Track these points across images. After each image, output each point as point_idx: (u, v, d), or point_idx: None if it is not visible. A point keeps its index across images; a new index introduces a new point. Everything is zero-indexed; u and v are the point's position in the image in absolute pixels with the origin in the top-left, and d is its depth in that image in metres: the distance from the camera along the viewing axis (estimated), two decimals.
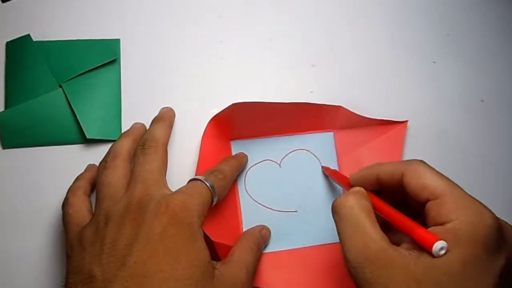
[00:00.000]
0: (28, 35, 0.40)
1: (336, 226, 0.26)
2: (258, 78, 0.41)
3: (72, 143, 0.38)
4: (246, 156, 0.37)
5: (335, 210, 0.27)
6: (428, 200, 0.25)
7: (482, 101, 0.42)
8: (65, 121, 0.38)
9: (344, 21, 0.43)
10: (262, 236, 0.35)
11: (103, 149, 0.38)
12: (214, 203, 0.31)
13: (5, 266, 0.36)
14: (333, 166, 0.38)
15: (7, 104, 0.39)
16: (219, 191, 0.32)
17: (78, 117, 0.38)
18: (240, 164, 0.37)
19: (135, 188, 0.30)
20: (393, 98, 0.41)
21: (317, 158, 0.38)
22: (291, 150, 0.38)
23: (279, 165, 0.38)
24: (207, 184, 0.31)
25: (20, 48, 0.40)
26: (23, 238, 0.36)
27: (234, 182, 0.36)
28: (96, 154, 0.38)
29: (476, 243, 0.23)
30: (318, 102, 0.39)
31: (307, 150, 0.38)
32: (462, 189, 0.25)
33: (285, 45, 0.42)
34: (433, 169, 0.27)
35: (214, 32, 0.42)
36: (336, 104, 0.38)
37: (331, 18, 0.43)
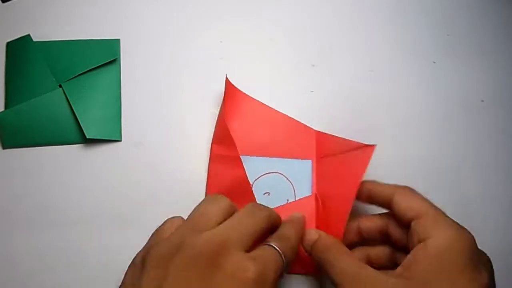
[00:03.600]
0: (28, 35, 0.40)
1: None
2: (258, 78, 0.41)
3: (72, 143, 0.38)
4: (304, 217, 0.34)
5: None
6: (412, 219, 0.29)
7: (482, 101, 0.42)
8: (65, 121, 0.38)
9: (344, 21, 0.43)
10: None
11: (103, 149, 0.38)
12: (285, 273, 0.29)
13: (5, 266, 0.36)
14: (308, 193, 0.37)
15: (7, 104, 0.39)
16: (288, 259, 0.29)
17: (78, 117, 0.38)
18: (302, 228, 0.33)
19: (224, 228, 0.27)
20: (393, 98, 0.41)
21: (291, 184, 0.38)
22: (267, 172, 0.38)
23: (252, 185, 0.37)
24: (281, 254, 0.28)
25: (20, 48, 0.40)
26: (23, 238, 0.36)
27: None
28: (96, 154, 0.38)
29: (456, 255, 0.26)
30: (317, 102, 0.39)
31: (282, 174, 0.38)
32: (443, 212, 0.29)
33: (285, 45, 0.42)
34: (419, 193, 0.30)
35: (214, 32, 0.42)
36: (322, 124, 0.38)
37: (331, 18, 0.43)
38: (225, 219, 0.28)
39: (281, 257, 0.28)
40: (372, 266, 0.29)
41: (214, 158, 0.37)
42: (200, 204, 0.30)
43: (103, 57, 0.40)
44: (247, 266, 0.25)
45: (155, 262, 0.26)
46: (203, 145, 0.39)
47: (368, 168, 0.39)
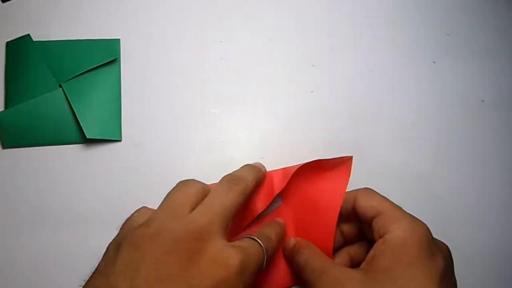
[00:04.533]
0: (28, 35, 0.40)
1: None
2: (258, 78, 0.41)
3: (72, 143, 0.38)
4: (284, 224, 0.35)
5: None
6: (373, 218, 0.30)
7: (482, 101, 0.42)
8: (65, 121, 0.38)
9: (344, 21, 0.43)
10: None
11: (103, 149, 0.38)
12: (263, 268, 0.29)
13: (5, 266, 0.36)
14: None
15: (7, 104, 0.39)
16: (268, 257, 0.30)
17: (78, 117, 0.38)
18: (283, 231, 0.34)
19: (200, 213, 0.28)
20: (393, 98, 0.41)
21: None
22: None
23: None
24: (263, 249, 0.29)
25: (20, 48, 0.40)
26: (23, 238, 0.36)
27: None
28: (96, 154, 0.38)
29: (411, 246, 0.27)
30: (317, 102, 0.39)
31: None
32: (400, 208, 0.30)
33: (285, 45, 0.42)
34: (378, 193, 0.32)
35: (214, 32, 0.42)
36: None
37: (331, 18, 0.43)
38: (200, 202, 0.28)
39: (263, 251, 0.29)
40: (354, 263, 0.32)
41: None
42: (172, 190, 0.30)
43: (103, 57, 0.40)
44: (230, 253, 0.26)
45: (132, 245, 0.25)
46: (203, 145, 0.39)
47: (369, 168, 0.39)
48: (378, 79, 0.41)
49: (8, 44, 0.40)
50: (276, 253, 0.33)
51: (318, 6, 0.43)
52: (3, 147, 0.38)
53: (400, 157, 0.39)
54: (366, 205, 0.31)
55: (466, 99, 0.42)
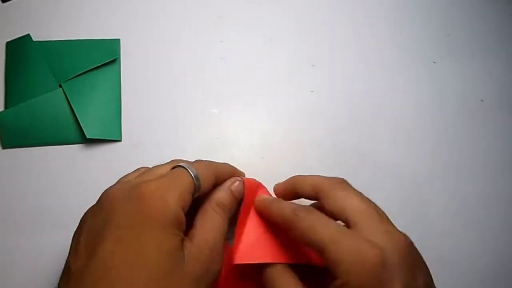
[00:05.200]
0: (28, 35, 0.40)
1: None
2: (258, 78, 0.41)
3: (72, 143, 0.38)
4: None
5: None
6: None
7: (482, 101, 0.42)
8: (65, 121, 0.38)
9: (344, 21, 0.43)
10: (232, 193, 0.31)
11: (103, 149, 0.38)
12: (196, 194, 0.29)
13: (5, 266, 0.36)
14: None
15: (7, 104, 0.39)
16: (204, 182, 0.29)
17: (78, 117, 0.38)
18: (232, 171, 0.33)
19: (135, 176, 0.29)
20: (393, 98, 0.41)
21: None
22: None
23: None
24: (190, 173, 0.28)
25: (20, 48, 0.40)
26: (23, 238, 0.36)
27: None
28: (96, 154, 0.38)
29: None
30: (317, 102, 0.39)
31: None
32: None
33: (285, 45, 0.42)
34: (353, 190, 0.29)
35: (214, 32, 0.42)
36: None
37: (331, 18, 0.43)
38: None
39: (192, 178, 0.28)
40: None
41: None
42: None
43: (103, 57, 0.40)
44: (143, 185, 0.27)
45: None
46: (203, 145, 0.39)
47: (369, 168, 0.39)
48: (378, 79, 0.41)
49: (8, 44, 0.40)
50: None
51: (318, 6, 0.43)
52: (3, 147, 0.38)
53: (400, 157, 0.39)
54: (335, 207, 0.28)
55: (466, 99, 0.42)
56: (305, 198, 0.31)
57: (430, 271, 0.27)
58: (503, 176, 0.40)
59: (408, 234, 0.27)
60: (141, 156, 0.38)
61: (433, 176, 0.39)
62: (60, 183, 0.38)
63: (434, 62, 0.42)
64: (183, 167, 0.29)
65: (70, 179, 0.38)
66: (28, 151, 0.38)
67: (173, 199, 0.26)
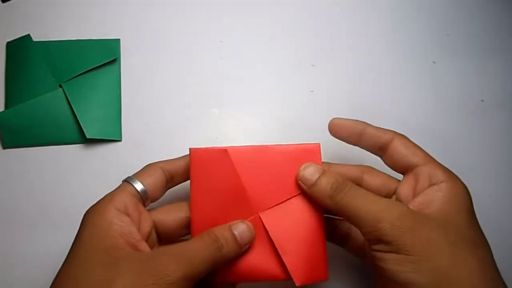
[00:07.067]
0: (28, 35, 0.40)
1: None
2: (258, 78, 0.41)
3: (72, 143, 0.38)
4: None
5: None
6: (416, 165, 0.30)
7: (482, 101, 0.42)
8: (65, 121, 0.38)
9: (344, 21, 0.43)
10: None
11: (103, 149, 0.38)
12: (147, 206, 0.31)
13: (5, 266, 0.36)
14: None
15: (7, 104, 0.39)
16: (152, 193, 0.31)
17: (78, 117, 0.38)
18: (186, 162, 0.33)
19: None
20: (393, 98, 0.41)
21: None
22: None
23: None
24: (136, 188, 0.31)
25: (20, 48, 0.40)
26: (23, 238, 0.36)
27: None
28: (96, 154, 0.38)
29: (467, 199, 0.29)
30: (317, 102, 0.39)
31: None
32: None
33: (285, 44, 0.42)
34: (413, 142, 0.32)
35: (214, 32, 0.42)
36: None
37: (331, 18, 0.43)
38: None
39: (138, 193, 0.30)
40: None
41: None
42: None
43: (103, 57, 0.40)
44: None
45: None
46: (203, 145, 0.39)
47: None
48: (378, 79, 0.41)
49: (8, 44, 0.40)
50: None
51: (318, 6, 0.43)
52: (3, 147, 0.38)
53: None
54: (407, 151, 0.31)
55: (466, 99, 0.42)
56: (364, 146, 0.33)
57: None
58: (503, 176, 0.40)
59: None
60: (141, 156, 0.38)
61: None
62: (60, 183, 0.38)
63: (434, 62, 0.42)
64: (127, 181, 0.31)
65: (70, 179, 0.38)
66: (28, 151, 0.38)
67: (112, 218, 0.29)
